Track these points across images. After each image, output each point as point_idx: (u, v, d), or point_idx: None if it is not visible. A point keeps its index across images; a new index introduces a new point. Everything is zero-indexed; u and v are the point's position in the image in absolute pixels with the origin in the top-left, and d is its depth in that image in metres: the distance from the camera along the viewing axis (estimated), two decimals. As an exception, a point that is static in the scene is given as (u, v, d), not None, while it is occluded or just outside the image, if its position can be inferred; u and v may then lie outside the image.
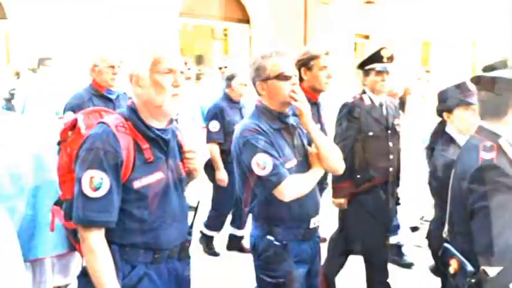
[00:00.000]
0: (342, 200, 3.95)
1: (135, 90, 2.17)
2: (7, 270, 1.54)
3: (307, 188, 2.61)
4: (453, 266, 2.42)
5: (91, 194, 2.01)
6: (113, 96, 4.24)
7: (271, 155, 2.52)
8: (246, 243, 5.23)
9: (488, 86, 2.40)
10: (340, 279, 4.33)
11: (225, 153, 5.04)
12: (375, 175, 3.92)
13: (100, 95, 4.21)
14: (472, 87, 2.87)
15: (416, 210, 5.95)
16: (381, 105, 3.99)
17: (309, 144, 2.76)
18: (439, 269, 2.78)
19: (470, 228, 2.31)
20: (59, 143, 2.24)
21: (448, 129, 3.09)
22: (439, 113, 3.13)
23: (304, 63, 3.56)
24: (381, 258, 4.16)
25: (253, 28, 12.61)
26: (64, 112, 4.28)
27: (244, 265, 4.37)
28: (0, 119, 2.35)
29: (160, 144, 2.19)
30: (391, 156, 3.98)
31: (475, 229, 2.28)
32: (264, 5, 12.41)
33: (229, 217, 5.56)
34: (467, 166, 2.35)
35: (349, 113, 3.93)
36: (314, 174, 2.66)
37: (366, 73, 3.97)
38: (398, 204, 4.28)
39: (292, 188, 2.53)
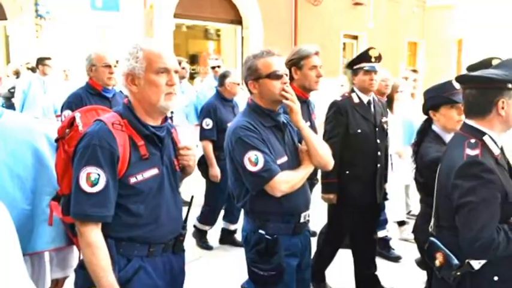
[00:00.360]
0: (331, 196, 3.99)
1: (131, 89, 2.19)
2: (7, 265, 1.58)
3: (298, 184, 2.65)
4: (439, 260, 2.43)
5: (88, 189, 2.04)
6: (109, 95, 4.25)
7: (263, 152, 2.55)
8: (238, 237, 5.28)
9: (472, 85, 2.43)
10: (329, 272, 4.40)
11: (218, 150, 5.07)
12: (363, 171, 3.98)
13: (97, 93, 4.21)
14: (458, 85, 2.88)
15: (404, 205, 6.02)
16: (369, 103, 4.03)
17: (299, 141, 2.80)
18: (425, 262, 2.78)
19: (455, 223, 2.33)
20: (57, 140, 2.27)
21: (434, 127, 3.11)
22: (425, 111, 3.15)
23: (295, 63, 3.62)
24: (369, 252, 4.24)
25: (245, 29, 12.66)
26: (62, 110, 4.30)
27: (236, 258, 4.44)
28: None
29: (155, 141, 2.21)
30: (379, 153, 4.03)
31: (460, 223, 2.30)
32: (255, 6, 12.47)
33: (222, 212, 5.60)
34: (453, 162, 2.37)
35: (338, 111, 3.98)
36: (304, 170, 2.70)
37: (355, 72, 4.01)
38: (386, 199, 4.33)
39: (284, 183, 2.57)
